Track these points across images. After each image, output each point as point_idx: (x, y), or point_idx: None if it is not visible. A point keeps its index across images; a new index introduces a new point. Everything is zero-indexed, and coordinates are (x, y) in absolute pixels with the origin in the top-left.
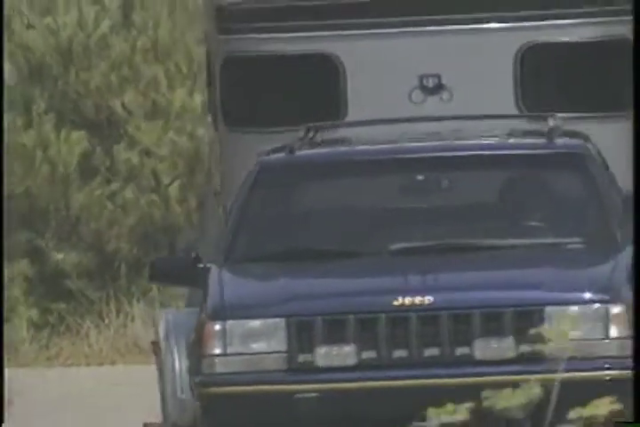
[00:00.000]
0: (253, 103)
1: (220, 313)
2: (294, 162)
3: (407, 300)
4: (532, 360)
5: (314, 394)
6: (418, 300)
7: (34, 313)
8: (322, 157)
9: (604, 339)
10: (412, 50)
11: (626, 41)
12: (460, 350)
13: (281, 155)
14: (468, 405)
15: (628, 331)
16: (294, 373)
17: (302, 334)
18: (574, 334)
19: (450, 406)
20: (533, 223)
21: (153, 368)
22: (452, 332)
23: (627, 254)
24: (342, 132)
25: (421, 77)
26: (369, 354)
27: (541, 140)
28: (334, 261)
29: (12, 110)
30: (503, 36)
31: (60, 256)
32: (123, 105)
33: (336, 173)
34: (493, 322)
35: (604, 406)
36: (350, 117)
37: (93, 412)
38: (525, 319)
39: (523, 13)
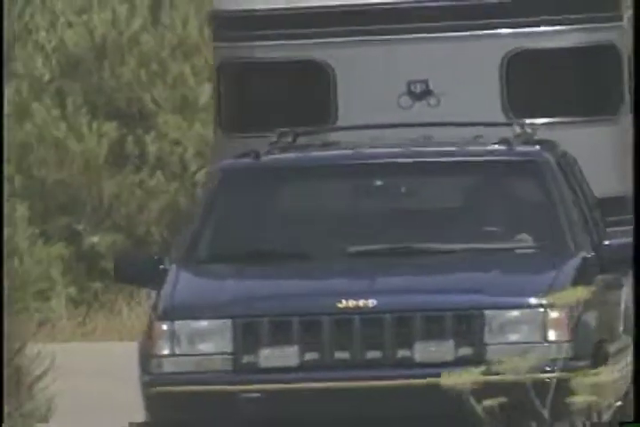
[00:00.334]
0: (247, 108)
1: (169, 314)
2: (257, 166)
3: (351, 302)
4: (470, 363)
5: (257, 394)
6: (361, 302)
7: (72, 291)
8: (284, 162)
9: (542, 342)
10: (400, 56)
11: (612, 47)
12: (401, 353)
13: (246, 159)
14: (479, 369)
15: (566, 335)
16: (239, 373)
17: (248, 336)
18: (513, 337)
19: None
20: (487, 229)
21: None
22: (394, 334)
23: (577, 260)
24: (326, 137)
25: (409, 83)
26: (312, 355)
27: (500, 148)
28: (287, 264)
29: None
30: (489, 42)
31: (94, 239)
32: (152, 98)
33: (297, 178)
34: (434, 325)
35: (607, 373)
36: (340, 122)
37: (126, 384)
38: (465, 323)
39: (508, 20)
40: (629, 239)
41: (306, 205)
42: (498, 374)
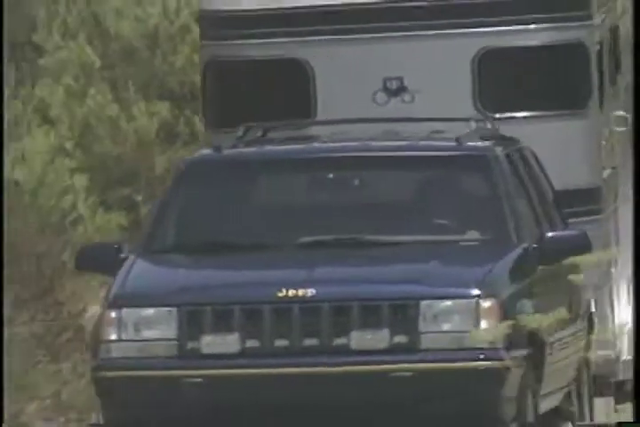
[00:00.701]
0: (230, 104)
1: (118, 301)
2: (218, 160)
3: (291, 292)
4: (405, 351)
5: (199, 380)
6: (301, 292)
7: None
8: (243, 156)
9: (475, 331)
10: (376, 54)
11: (580, 45)
12: (338, 341)
13: (207, 152)
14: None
15: (498, 324)
16: (182, 359)
17: (191, 323)
18: (447, 326)
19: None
20: (434, 221)
21: None
22: (332, 323)
23: (517, 251)
24: (306, 131)
25: (385, 80)
26: (252, 343)
27: (450, 143)
28: (237, 254)
29: (100, 88)
30: (461, 41)
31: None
32: None
33: (254, 171)
34: (371, 314)
35: None
36: (320, 117)
37: None
38: (401, 312)
39: (480, 20)
40: (572, 231)
41: (262, 198)
42: (433, 361)
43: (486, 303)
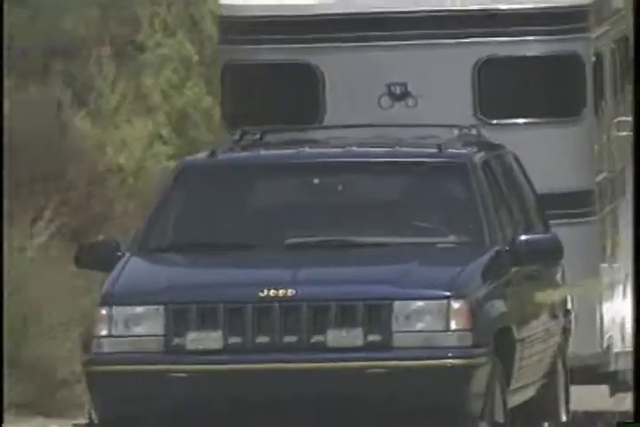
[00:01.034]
0: (245, 105)
1: (109, 299)
2: (212, 163)
3: (272, 292)
4: (379, 349)
5: (184, 374)
6: (281, 292)
7: None
8: (235, 160)
9: (445, 331)
10: (382, 61)
11: (576, 56)
12: (316, 338)
13: (202, 156)
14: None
15: (467, 324)
16: (168, 354)
17: (177, 320)
18: (419, 325)
19: None
20: (413, 224)
21: None
22: (310, 321)
23: (490, 254)
24: (313, 134)
25: (389, 85)
26: (235, 339)
27: (430, 150)
28: (224, 254)
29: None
30: (463, 50)
31: None
32: None
33: (245, 175)
34: (347, 313)
35: None
36: (328, 120)
37: None
38: (375, 312)
39: (481, 30)
40: (544, 235)
41: (251, 201)
42: (405, 359)
43: (456, 304)
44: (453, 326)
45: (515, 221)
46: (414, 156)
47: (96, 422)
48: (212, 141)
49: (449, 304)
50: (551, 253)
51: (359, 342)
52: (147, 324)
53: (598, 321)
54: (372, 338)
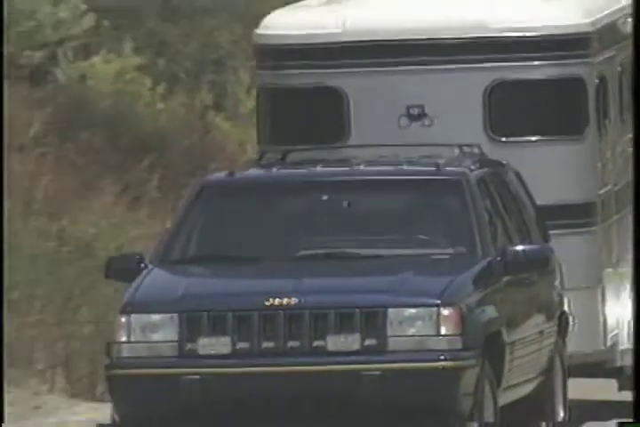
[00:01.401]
0: (277, 126)
1: (128, 308)
2: (229, 182)
3: (277, 301)
4: (375, 352)
5: (196, 377)
6: (285, 301)
7: None
8: (250, 179)
9: (436, 335)
10: (401, 85)
11: (580, 79)
12: (317, 343)
13: (221, 175)
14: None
15: (457, 329)
16: (182, 359)
17: (190, 327)
18: (411, 330)
19: None
20: (411, 237)
21: None
22: (312, 328)
23: (482, 264)
24: (339, 153)
25: (408, 107)
26: (243, 345)
27: (429, 168)
28: (236, 266)
29: None
30: (475, 74)
31: None
32: None
33: (259, 192)
34: (345, 320)
35: None
36: (353, 138)
37: None
38: (371, 319)
39: (491, 56)
40: (533, 246)
41: (264, 216)
42: (399, 362)
43: (446, 311)
44: (443, 331)
45: (510, 233)
46: (414, 174)
47: (117, 420)
48: None
49: (439, 311)
50: (537, 263)
51: (357, 346)
52: (162, 331)
53: (601, 321)
54: (368, 342)
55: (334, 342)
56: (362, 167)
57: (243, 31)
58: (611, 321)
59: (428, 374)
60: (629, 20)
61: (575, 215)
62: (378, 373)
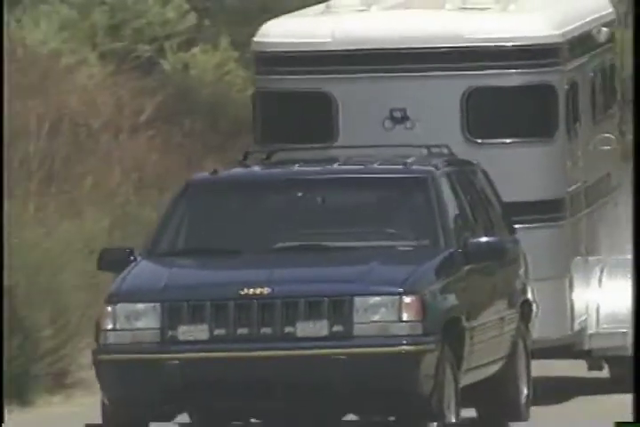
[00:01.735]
0: (271, 127)
1: (114, 298)
2: (211, 180)
3: (251, 290)
4: (341, 338)
5: (176, 361)
6: (258, 291)
7: None
8: (232, 178)
9: (398, 322)
10: (386, 90)
11: (550, 86)
12: (287, 329)
13: (205, 174)
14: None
15: (418, 316)
16: (163, 344)
17: (171, 315)
18: (375, 317)
19: None
20: (380, 230)
21: None
22: (283, 315)
23: (443, 255)
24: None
25: (392, 110)
26: (219, 331)
27: (397, 167)
28: (215, 258)
29: None
30: (453, 81)
31: None
32: None
33: (238, 190)
34: (314, 308)
35: None
36: (341, 139)
37: None
38: (338, 306)
39: (468, 64)
40: (491, 238)
41: (245, 211)
42: (364, 346)
43: (407, 299)
44: (405, 317)
45: (473, 227)
46: (383, 172)
47: (106, 402)
48: None
49: (401, 299)
50: (496, 253)
51: (325, 332)
52: (145, 319)
53: (568, 308)
54: (335, 329)
55: (304, 329)
56: (335, 166)
57: None
58: (579, 307)
59: (390, 357)
60: (604, 29)
61: (545, 211)
62: (344, 357)
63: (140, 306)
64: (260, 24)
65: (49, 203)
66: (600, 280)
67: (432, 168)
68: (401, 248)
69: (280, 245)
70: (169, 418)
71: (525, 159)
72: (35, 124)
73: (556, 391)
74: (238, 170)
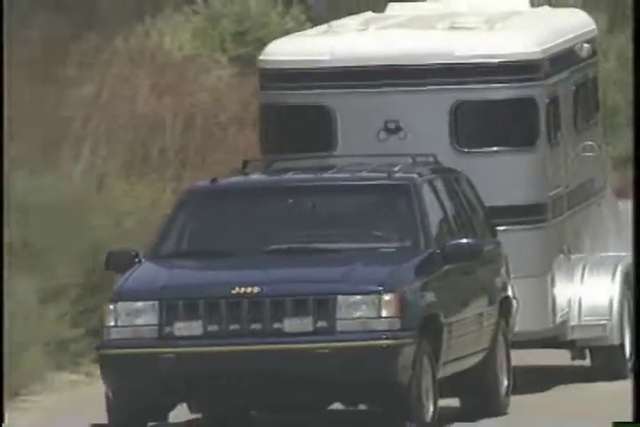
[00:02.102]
0: (276, 138)
1: (115, 297)
2: (211, 188)
3: (242, 289)
4: (325, 333)
5: (172, 355)
6: (249, 289)
7: None
8: (229, 185)
9: (378, 318)
10: (380, 103)
11: (532, 99)
12: (276, 325)
13: (205, 182)
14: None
15: (397, 312)
16: (161, 340)
17: (168, 313)
18: (357, 314)
19: None
20: (364, 233)
21: None
22: (272, 312)
23: (422, 256)
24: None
25: (386, 122)
26: (212, 327)
27: (382, 174)
28: (211, 259)
29: None
30: (442, 95)
31: None
32: None
33: (235, 197)
34: (300, 306)
35: None
36: (339, 149)
37: None
38: (323, 304)
39: (456, 80)
40: (467, 240)
41: (240, 216)
42: (346, 341)
43: (387, 297)
44: (384, 313)
45: (453, 229)
46: (368, 179)
47: (110, 395)
48: None
49: (380, 297)
50: (470, 254)
51: (310, 328)
52: (144, 316)
53: (550, 303)
54: (320, 325)
55: (291, 325)
56: (325, 174)
57: None
58: (561, 302)
59: (371, 350)
60: (585, 45)
61: (527, 214)
62: (328, 351)
63: (140, 304)
64: None
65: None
66: (582, 276)
67: (415, 175)
68: (383, 250)
69: (272, 247)
70: (167, 409)
71: (509, 166)
72: (171, 119)
73: (539, 380)
74: (235, 178)
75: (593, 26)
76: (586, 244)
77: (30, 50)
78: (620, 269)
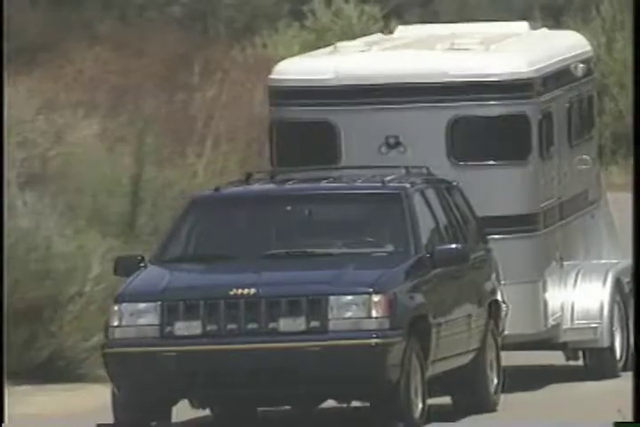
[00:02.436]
0: (284, 152)
1: (119, 298)
2: (214, 196)
3: (239, 291)
4: (318, 332)
5: (173, 354)
6: (246, 291)
7: None
8: (231, 194)
9: (368, 318)
10: (381, 119)
11: (524, 116)
12: (271, 325)
13: (208, 191)
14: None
15: (386, 312)
16: (162, 339)
17: (169, 313)
18: (348, 314)
19: None
20: (358, 239)
21: None
22: (267, 313)
23: (412, 260)
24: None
25: (387, 137)
26: (211, 327)
27: (376, 184)
28: (211, 263)
29: None
30: (440, 111)
31: None
32: None
33: (237, 204)
34: (294, 306)
35: None
36: (343, 162)
37: None
38: (316, 305)
39: (452, 97)
40: (454, 246)
41: (241, 223)
42: (338, 339)
43: (376, 298)
44: (374, 314)
45: (445, 236)
46: (362, 188)
47: (115, 392)
48: None
49: (370, 298)
50: (457, 258)
51: (303, 327)
52: (147, 316)
53: (542, 308)
54: (313, 324)
55: (285, 324)
56: (322, 184)
57: None
58: (554, 306)
59: (361, 349)
60: (580, 65)
61: (520, 224)
62: (320, 349)
63: (142, 305)
64: None
65: None
66: (575, 282)
67: (407, 185)
68: (375, 254)
69: (269, 252)
70: (170, 404)
71: (502, 179)
72: None
73: (533, 379)
74: (236, 188)
75: (588, 47)
76: (579, 252)
77: (162, 60)
78: (610, 274)
